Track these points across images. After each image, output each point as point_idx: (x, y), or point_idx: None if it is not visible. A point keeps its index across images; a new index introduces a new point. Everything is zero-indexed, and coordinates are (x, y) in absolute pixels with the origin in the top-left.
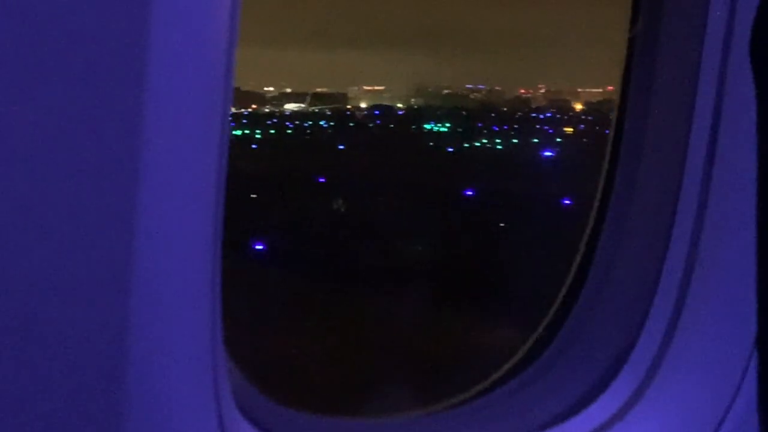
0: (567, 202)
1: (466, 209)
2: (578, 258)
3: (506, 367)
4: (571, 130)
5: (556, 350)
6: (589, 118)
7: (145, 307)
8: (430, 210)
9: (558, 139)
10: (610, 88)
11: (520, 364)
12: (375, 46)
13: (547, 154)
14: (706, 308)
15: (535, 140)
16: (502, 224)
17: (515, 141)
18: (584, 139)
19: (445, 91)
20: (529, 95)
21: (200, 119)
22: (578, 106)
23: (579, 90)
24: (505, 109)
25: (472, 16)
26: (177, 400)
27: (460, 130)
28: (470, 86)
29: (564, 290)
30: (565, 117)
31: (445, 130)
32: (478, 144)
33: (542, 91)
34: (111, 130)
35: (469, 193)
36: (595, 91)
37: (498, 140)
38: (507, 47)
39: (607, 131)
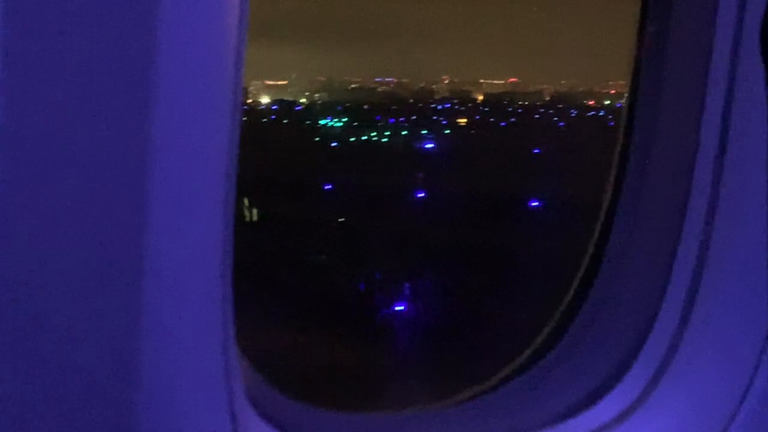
0: (421, 194)
1: (313, 202)
2: (589, 252)
3: (519, 361)
4: (465, 121)
5: (568, 344)
6: (486, 108)
7: (157, 304)
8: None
9: (447, 131)
10: (512, 79)
11: (531, 358)
12: (280, 40)
13: (428, 146)
14: (717, 302)
15: (425, 132)
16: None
17: (404, 133)
18: (473, 131)
19: (353, 85)
20: (433, 87)
21: (210, 116)
22: (479, 97)
23: (481, 81)
24: (411, 100)
25: (383, 10)
26: (189, 396)
27: (355, 124)
28: (379, 79)
29: (575, 284)
30: (463, 108)
31: (341, 125)
32: (365, 138)
33: (446, 82)
34: (121, 128)
35: (328, 186)
36: (497, 83)
37: (387, 133)
38: (415, 40)
39: (503, 123)
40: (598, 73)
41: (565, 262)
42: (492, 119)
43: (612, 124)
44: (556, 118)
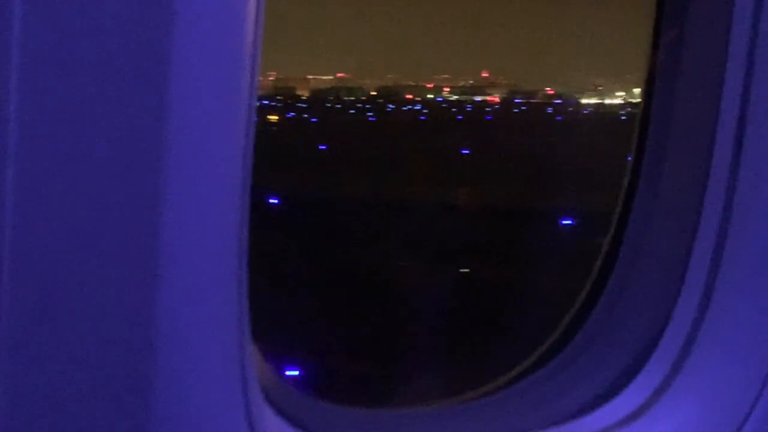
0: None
1: None
2: (604, 251)
3: (533, 358)
4: (276, 117)
5: (582, 341)
6: (303, 105)
7: (172, 302)
8: None
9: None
10: (340, 74)
11: (546, 355)
12: None
13: None
14: (732, 302)
15: None
16: None
17: None
18: (274, 127)
19: None
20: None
21: (225, 115)
22: (305, 94)
23: (309, 77)
24: None
25: None
26: (205, 393)
27: None
28: None
29: (590, 283)
30: (281, 104)
31: None
32: None
33: (272, 78)
34: (136, 127)
35: None
36: (325, 78)
37: None
38: None
39: (314, 119)
40: (425, 68)
41: None
42: (305, 115)
43: (423, 118)
44: (370, 113)
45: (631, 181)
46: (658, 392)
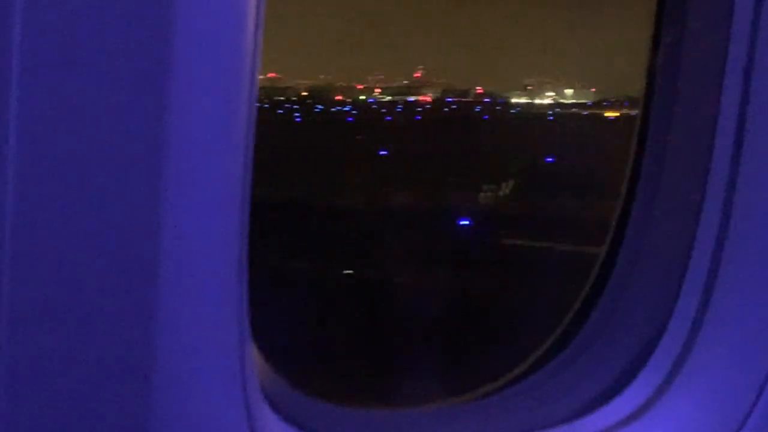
0: None
1: None
2: (604, 252)
3: (531, 359)
4: None
5: (582, 342)
6: None
7: (172, 301)
8: None
9: None
10: (271, 74)
11: (546, 355)
12: None
13: None
14: (731, 304)
15: None
16: None
17: None
18: None
19: None
20: None
21: (226, 115)
22: None
23: None
24: None
25: None
26: (205, 393)
27: None
28: None
29: (590, 284)
30: None
31: None
32: None
33: None
34: (136, 126)
35: None
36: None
37: None
38: None
39: None
40: (359, 68)
41: None
42: None
43: (351, 119)
44: (297, 114)
45: (630, 182)
46: (658, 393)
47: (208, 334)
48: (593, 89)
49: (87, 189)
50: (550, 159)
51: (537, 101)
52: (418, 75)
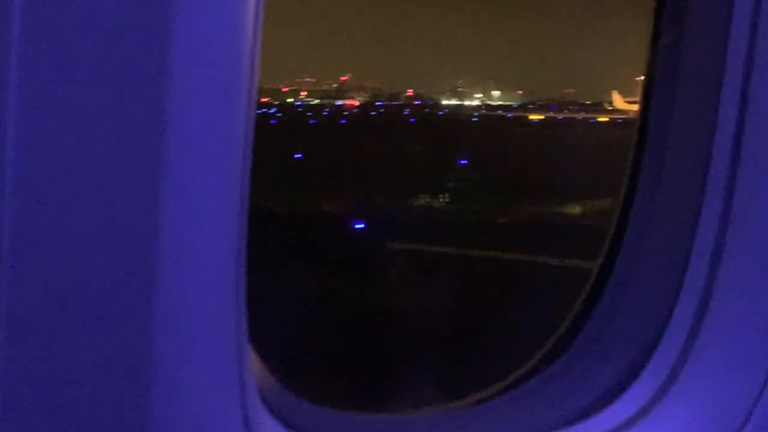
0: None
1: None
2: (602, 255)
3: (530, 363)
4: None
5: (580, 347)
6: None
7: (170, 304)
8: None
9: None
10: None
11: (542, 361)
12: None
13: None
14: (730, 308)
15: None
16: None
17: None
18: None
19: None
20: None
21: (225, 116)
22: None
23: None
24: None
25: None
26: (202, 396)
27: None
28: None
29: (588, 288)
30: None
31: None
32: None
33: None
34: (135, 127)
35: None
36: None
37: None
38: None
39: None
40: (288, 71)
41: None
42: None
43: (274, 122)
44: None
45: (628, 186)
46: (657, 397)
47: (206, 337)
48: (520, 92)
49: (85, 191)
50: (464, 162)
51: (466, 103)
52: (345, 78)
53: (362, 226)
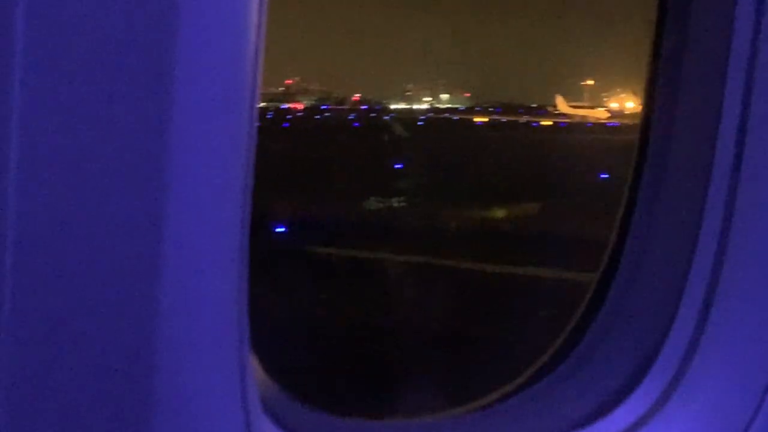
0: None
1: None
2: (605, 260)
3: (532, 369)
4: None
5: (582, 353)
6: None
7: (172, 311)
8: None
9: None
10: None
11: (546, 367)
12: None
13: None
14: (732, 312)
15: None
16: None
17: None
18: None
19: None
20: None
21: (228, 119)
22: None
23: None
24: None
25: None
26: (204, 403)
27: None
28: None
29: (591, 292)
30: None
31: None
32: None
33: None
34: (139, 129)
35: None
36: None
37: None
38: None
39: None
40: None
41: None
42: None
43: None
44: None
45: (631, 191)
46: (659, 403)
47: (208, 343)
48: (468, 95)
49: (88, 194)
50: (399, 165)
51: (415, 107)
52: (290, 82)
53: (283, 229)
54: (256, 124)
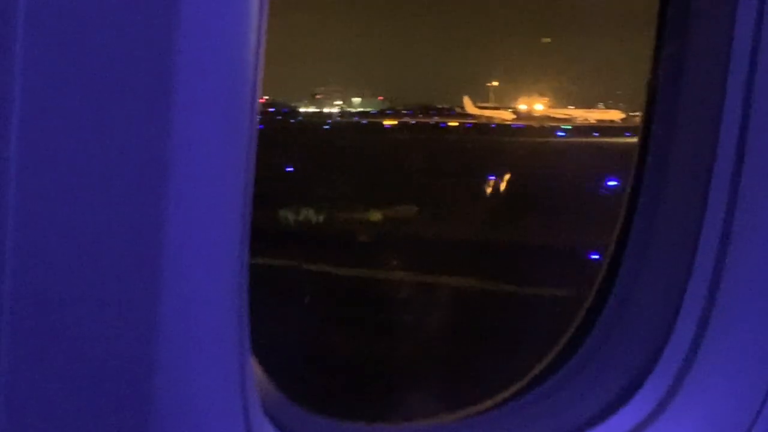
0: None
1: None
2: (606, 263)
3: (534, 372)
4: None
5: (585, 354)
6: None
7: (173, 315)
8: None
9: None
10: None
11: (547, 371)
12: None
13: None
14: (735, 311)
15: None
16: None
17: None
18: None
19: None
20: None
21: (228, 121)
22: None
23: None
24: None
25: None
26: (204, 406)
27: None
28: None
29: (592, 295)
30: None
31: None
32: None
33: None
34: (140, 131)
35: None
36: None
37: None
38: None
39: None
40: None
41: None
42: None
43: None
44: None
45: (632, 192)
46: (660, 407)
47: (209, 346)
48: (381, 98)
49: (89, 195)
50: (290, 168)
51: (325, 110)
52: None
53: None
54: (257, 125)
